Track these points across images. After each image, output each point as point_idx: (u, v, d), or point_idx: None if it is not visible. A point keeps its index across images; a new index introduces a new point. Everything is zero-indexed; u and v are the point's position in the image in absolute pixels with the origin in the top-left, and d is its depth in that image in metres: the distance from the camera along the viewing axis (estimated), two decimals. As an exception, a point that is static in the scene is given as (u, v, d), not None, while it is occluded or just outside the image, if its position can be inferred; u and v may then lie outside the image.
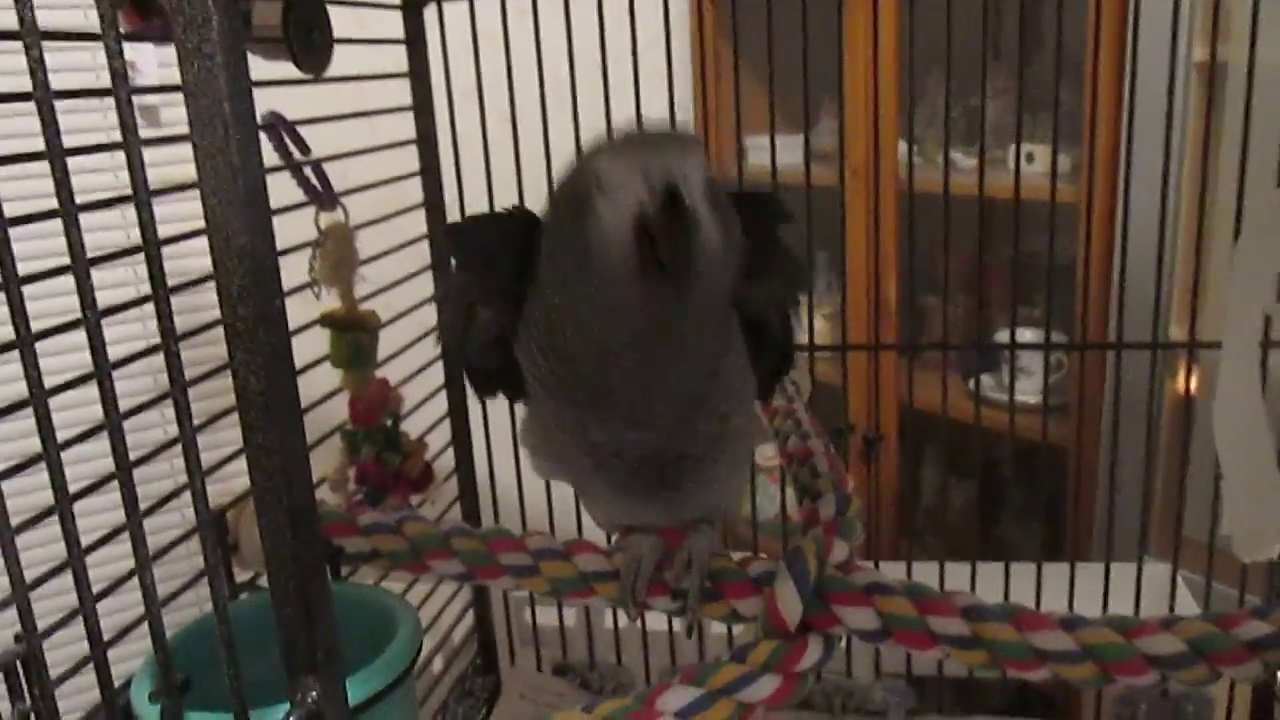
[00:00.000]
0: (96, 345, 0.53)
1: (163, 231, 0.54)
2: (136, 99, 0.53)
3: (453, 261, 0.88)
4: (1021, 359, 2.22)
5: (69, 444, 0.76)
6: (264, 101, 1.06)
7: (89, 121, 2.00)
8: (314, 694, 0.52)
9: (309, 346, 1.13)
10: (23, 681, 0.68)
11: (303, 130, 1.07)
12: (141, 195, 0.51)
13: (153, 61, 2.06)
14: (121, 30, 0.75)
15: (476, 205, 1.38)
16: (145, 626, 0.79)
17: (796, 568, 0.80)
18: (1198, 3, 1.94)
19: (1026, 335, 2.02)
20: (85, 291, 0.53)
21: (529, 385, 0.80)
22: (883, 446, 2.49)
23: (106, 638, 0.71)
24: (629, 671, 1.51)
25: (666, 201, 0.65)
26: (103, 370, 0.53)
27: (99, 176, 1.53)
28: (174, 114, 2.12)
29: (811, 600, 0.80)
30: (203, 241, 0.49)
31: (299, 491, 0.50)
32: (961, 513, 2.64)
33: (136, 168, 0.50)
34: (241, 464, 1.02)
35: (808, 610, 0.79)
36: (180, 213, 0.92)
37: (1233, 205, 1.18)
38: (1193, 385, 1.41)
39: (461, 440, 1.41)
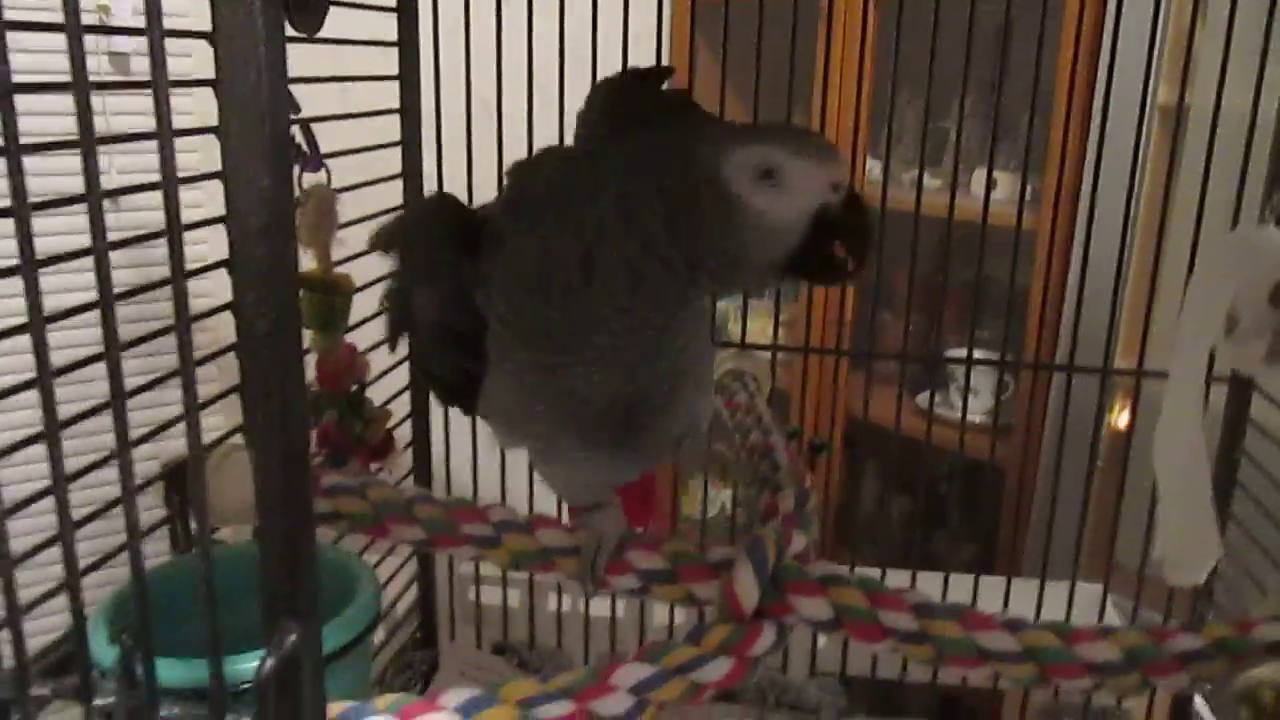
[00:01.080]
0: (32, 302, 0.52)
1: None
2: (107, 42, 0.53)
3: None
4: (971, 379, 2.28)
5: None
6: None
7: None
8: (292, 638, 0.53)
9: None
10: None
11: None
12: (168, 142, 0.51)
13: (127, 7, 2.03)
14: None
15: (455, 178, 1.39)
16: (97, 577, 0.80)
17: (756, 555, 0.82)
18: (1165, 47, 2.01)
19: (978, 356, 2.08)
20: (24, 239, 0.52)
21: (492, 346, 0.81)
22: (827, 454, 2.53)
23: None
24: (567, 655, 1.52)
25: (851, 199, 0.70)
26: (37, 325, 0.53)
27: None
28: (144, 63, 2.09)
29: (768, 588, 0.82)
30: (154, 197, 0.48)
31: (295, 436, 0.51)
32: (899, 524, 2.70)
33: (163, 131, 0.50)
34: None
35: (763, 598, 0.82)
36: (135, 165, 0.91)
37: (1188, 242, 1.23)
38: (1126, 417, 1.46)
39: (420, 412, 1.41)
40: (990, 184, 1.49)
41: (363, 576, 0.86)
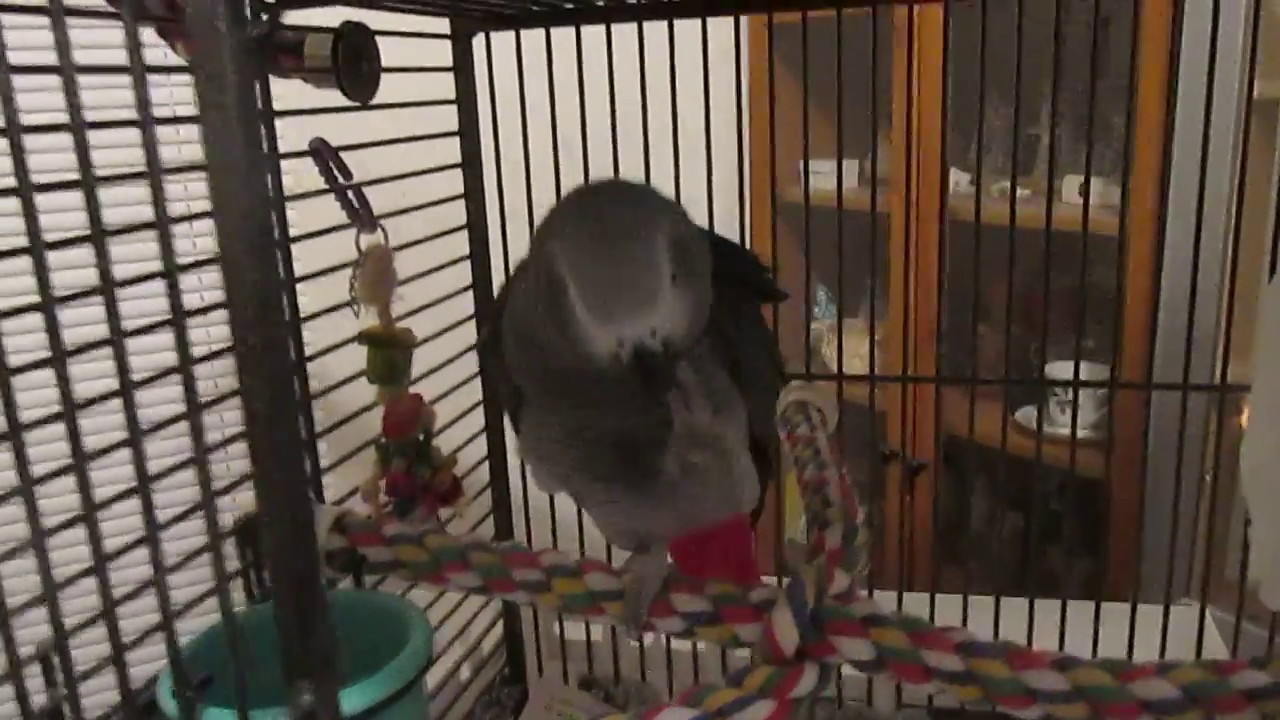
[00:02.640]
0: (122, 365, 0.57)
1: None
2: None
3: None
4: (1068, 391, 2.20)
5: (95, 455, 0.82)
6: (314, 127, 1.12)
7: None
8: (307, 697, 0.56)
9: (349, 362, 1.18)
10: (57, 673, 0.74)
11: (349, 153, 1.13)
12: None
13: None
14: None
15: (517, 229, 1.43)
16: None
17: (795, 596, 0.82)
18: (1261, 40, 1.92)
19: (1069, 369, 2.01)
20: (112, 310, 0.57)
21: (522, 386, 0.85)
22: (924, 475, 2.48)
23: (134, 637, 0.76)
24: (653, 688, 1.53)
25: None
26: (126, 387, 0.57)
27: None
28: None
29: (809, 628, 0.82)
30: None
31: (299, 509, 0.54)
32: (1006, 543, 2.62)
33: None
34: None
35: (805, 638, 0.81)
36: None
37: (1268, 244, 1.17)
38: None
39: (496, 455, 1.45)
40: (1079, 190, 1.43)
41: (414, 621, 0.89)
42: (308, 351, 1.07)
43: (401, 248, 1.19)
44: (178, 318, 0.56)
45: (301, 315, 1.06)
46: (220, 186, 0.48)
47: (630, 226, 0.74)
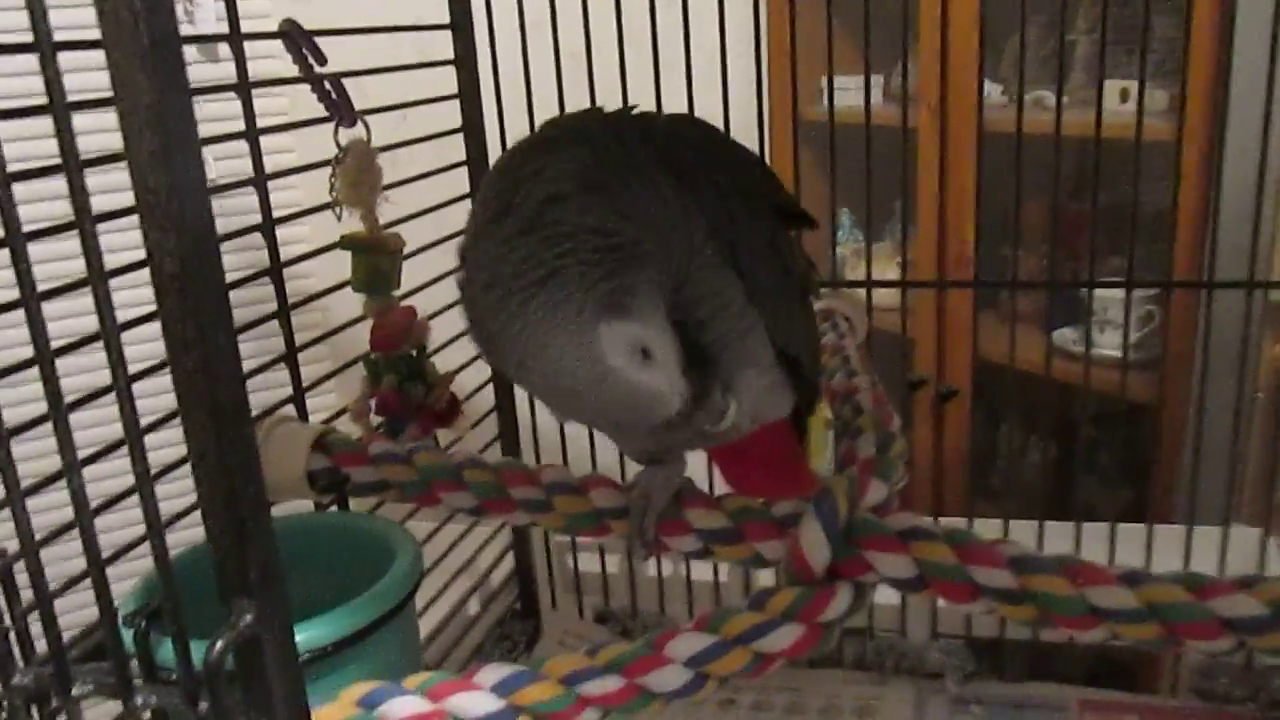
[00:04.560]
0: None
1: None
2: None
3: None
4: (1109, 311, 2.08)
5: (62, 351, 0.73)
6: (288, 10, 1.02)
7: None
8: (248, 618, 0.47)
9: (334, 269, 1.09)
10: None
11: (332, 41, 1.02)
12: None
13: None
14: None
15: (517, 128, 1.33)
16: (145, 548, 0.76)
17: (824, 508, 0.72)
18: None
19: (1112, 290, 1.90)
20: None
21: None
22: (955, 401, 2.38)
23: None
24: (672, 620, 1.46)
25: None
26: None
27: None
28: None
29: (840, 544, 0.72)
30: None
31: (225, 390, 0.45)
32: (1040, 472, 2.52)
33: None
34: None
35: (836, 555, 0.72)
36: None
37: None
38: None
39: (501, 376, 1.36)
40: (1119, 96, 1.31)
41: (400, 544, 0.80)
42: (285, 256, 0.98)
43: (388, 148, 1.09)
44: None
45: (275, 216, 0.96)
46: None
47: (572, 366, 0.63)
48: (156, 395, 0.64)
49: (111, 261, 0.53)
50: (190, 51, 1.23)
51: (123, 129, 0.42)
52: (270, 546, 0.48)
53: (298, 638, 0.68)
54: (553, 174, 0.66)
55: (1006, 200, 1.48)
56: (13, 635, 0.66)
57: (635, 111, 0.75)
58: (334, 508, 0.94)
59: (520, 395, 1.39)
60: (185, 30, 1.83)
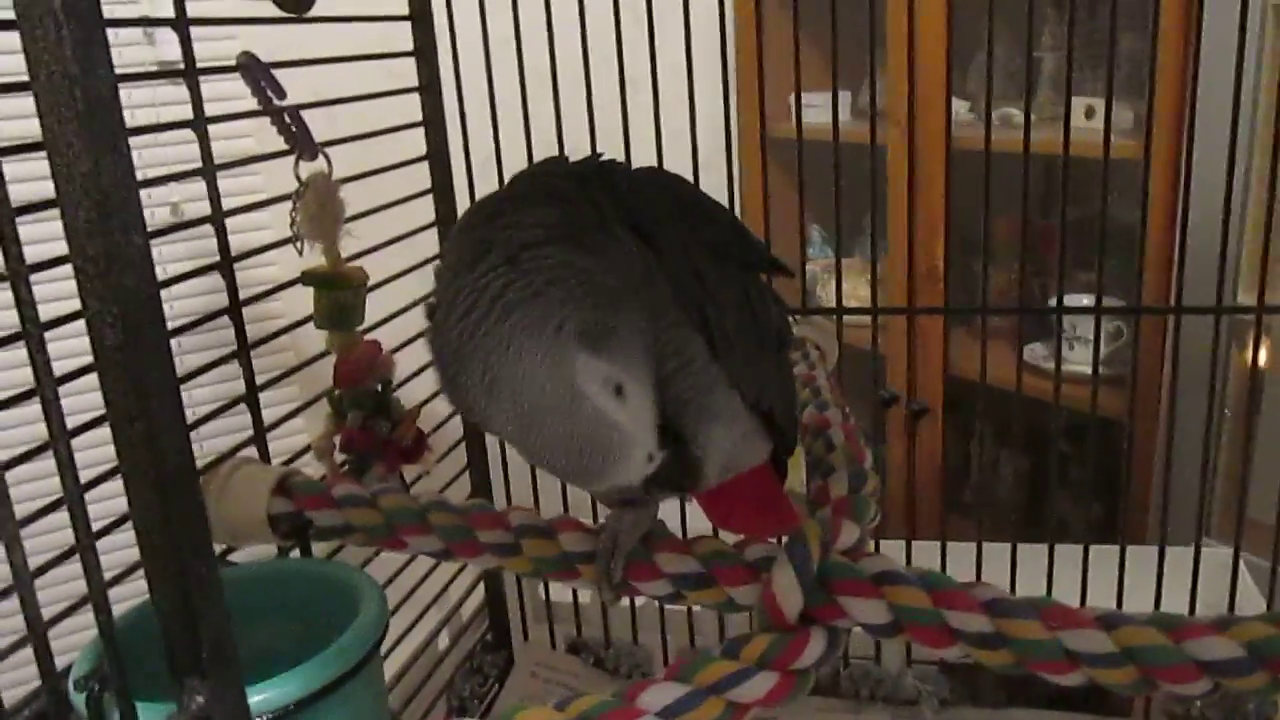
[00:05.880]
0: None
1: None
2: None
3: None
4: (1079, 328, 2.09)
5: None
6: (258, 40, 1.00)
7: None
8: (199, 699, 0.45)
9: (304, 304, 1.06)
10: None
11: (293, 74, 1.00)
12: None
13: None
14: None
15: (482, 154, 1.31)
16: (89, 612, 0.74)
17: (797, 553, 0.71)
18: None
19: (1083, 302, 1.90)
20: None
21: None
22: (927, 418, 2.38)
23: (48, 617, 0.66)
24: (645, 650, 1.44)
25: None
26: (30, 335, 0.46)
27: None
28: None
29: (814, 590, 0.71)
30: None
31: (171, 466, 0.43)
32: (1012, 488, 2.52)
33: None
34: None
35: (810, 600, 0.71)
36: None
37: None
38: (1261, 357, 1.29)
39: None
40: (1084, 113, 1.32)
41: (367, 593, 0.78)
42: (245, 295, 0.96)
43: (351, 179, 1.07)
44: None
45: (233, 254, 0.94)
46: (31, 21, 0.37)
47: (542, 384, 0.60)
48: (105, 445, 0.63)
49: (52, 310, 0.51)
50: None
51: (58, 193, 0.40)
52: (223, 623, 0.46)
53: (257, 698, 0.66)
54: (531, 223, 0.65)
55: (975, 216, 1.48)
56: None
57: (602, 160, 0.74)
58: (296, 552, 0.91)
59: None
60: (147, 56, 1.79)
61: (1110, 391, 1.98)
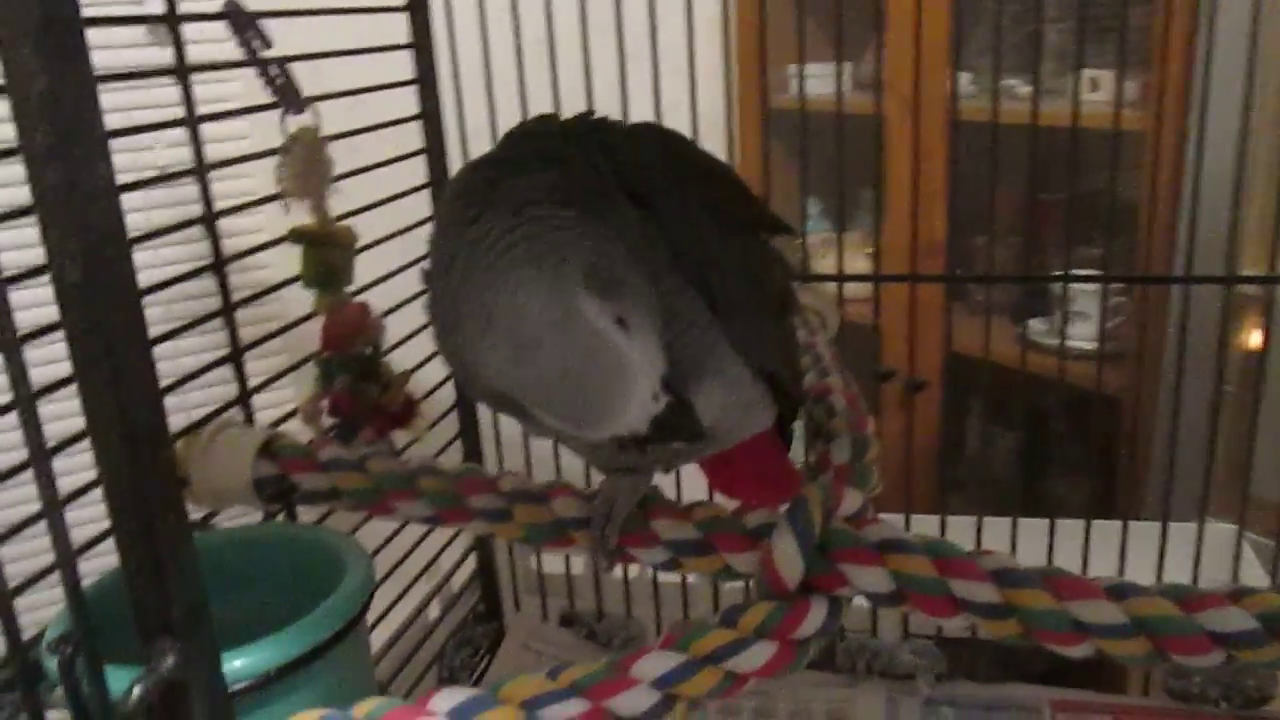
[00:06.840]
0: None
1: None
2: None
3: None
4: (1078, 302, 2.06)
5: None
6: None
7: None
8: (170, 660, 0.43)
9: (291, 262, 1.03)
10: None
11: (285, 23, 0.97)
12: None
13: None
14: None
15: (477, 118, 1.28)
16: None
17: (798, 520, 0.69)
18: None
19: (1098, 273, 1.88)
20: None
21: None
22: (925, 394, 2.36)
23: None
24: (639, 623, 1.42)
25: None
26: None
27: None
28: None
29: (815, 557, 0.69)
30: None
31: (138, 414, 0.40)
32: (1008, 465, 2.51)
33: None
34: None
35: (811, 569, 0.69)
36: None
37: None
38: (1259, 336, 1.27)
39: (462, 374, 1.31)
40: (1088, 85, 1.29)
41: (352, 559, 0.76)
42: (242, 246, 0.93)
43: (340, 136, 1.04)
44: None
45: (216, 209, 0.91)
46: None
47: (541, 309, 0.57)
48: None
49: (13, 262, 0.48)
50: (138, 34, 1.19)
51: (15, 119, 0.37)
52: (195, 581, 0.43)
53: (238, 663, 0.64)
54: (529, 185, 0.62)
55: (976, 189, 1.45)
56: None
57: (596, 118, 0.71)
58: (281, 516, 0.88)
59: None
60: (134, 10, 1.75)
61: (1108, 368, 1.96)
